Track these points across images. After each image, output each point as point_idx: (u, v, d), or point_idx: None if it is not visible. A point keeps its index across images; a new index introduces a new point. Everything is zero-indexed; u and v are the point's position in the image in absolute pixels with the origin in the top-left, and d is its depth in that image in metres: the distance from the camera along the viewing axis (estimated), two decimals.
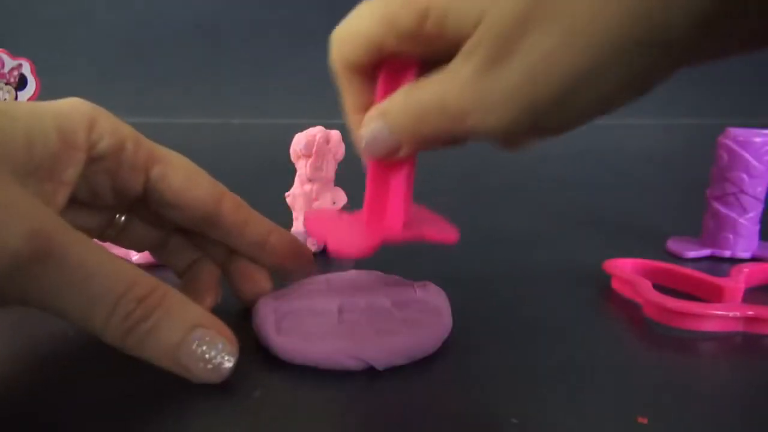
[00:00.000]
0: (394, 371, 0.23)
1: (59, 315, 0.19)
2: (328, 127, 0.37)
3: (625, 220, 0.47)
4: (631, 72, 0.17)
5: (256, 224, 0.27)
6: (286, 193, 0.39)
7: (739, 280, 0.31)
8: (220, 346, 0.20)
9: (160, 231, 0.27)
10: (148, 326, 0.19)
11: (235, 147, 0.82)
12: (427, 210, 0.27)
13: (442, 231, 0.26)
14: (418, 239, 0.25)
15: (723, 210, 0.38)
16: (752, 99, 0.95)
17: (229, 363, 0.20)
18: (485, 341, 0.26)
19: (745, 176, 0.37)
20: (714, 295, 0.30)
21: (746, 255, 0.38)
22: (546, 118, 0.18)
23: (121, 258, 0.20)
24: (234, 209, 0.26)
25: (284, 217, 0.36)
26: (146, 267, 0.31)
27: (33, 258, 0.18)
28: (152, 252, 0.28)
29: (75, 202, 0.23)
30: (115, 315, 0.19)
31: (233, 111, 0.96)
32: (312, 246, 0.37)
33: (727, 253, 0.38)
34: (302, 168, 0.37)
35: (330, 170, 0.38)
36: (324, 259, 0.37)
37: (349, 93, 0.24)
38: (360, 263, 0.33)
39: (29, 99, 0.37)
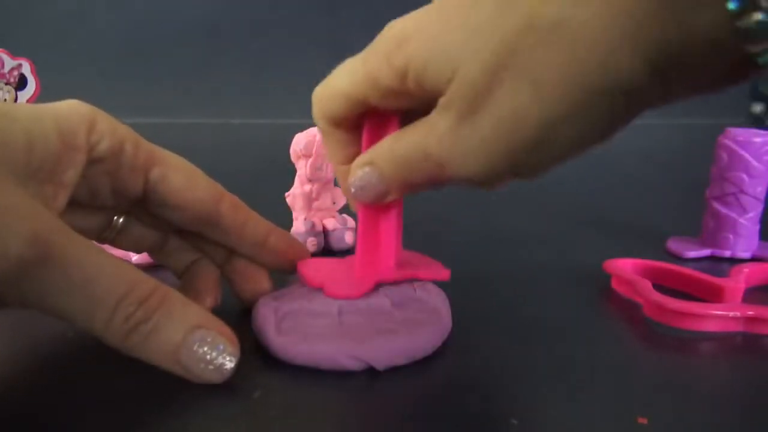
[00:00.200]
0: (394, 371, 0.23)
1: (61, 317, 0.19)
2: None
3: (625, 220, 0.47)
4: (592, 120, 0.18)
5: (255, 225, 0.27)
6: (286, 193, 0.39)
7: (739, 280, 0.31)
8: (221, 346, 0.20)
9: (158, 232, 0.27)
10: (148, 327, 0.19)
11: (234, 147, 0.82)
12: (417, 254, 0.29)
13: (434, 270, 0.27)
14: (411, 278, 0.27)
15: (723, 210, 0.38)
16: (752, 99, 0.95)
17: (230, 363, 0.20)
18: (485, 341, 0.26)
19: (745, 176, 0.37)
20: (714, 295, 0.30)
21: (746, 255, 0.38)
22: (520, 164, 0.20)
23: (122, 260, 0.20)
24: (233, 210, 0.26)
25: (284, 217, 0.36)
26: (145, 268, 0.31)
27: (34, 261, 0.18)
28: (151, 253, 0.28)
29: (74, 204, 0.23)
30: (116, 317, 0.19)
31: (233, 111, 0.96)
32: (311, 246, 0.37)
33: (727, 253, 0.38)
34: (302, 168, 0.37)
35: (330, 170, 0.38)
36: None
37: (334, 145, 0.25)
38: None
39: (29, 99, 0.37)
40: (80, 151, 0.22)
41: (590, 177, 0.69)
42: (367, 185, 0.23)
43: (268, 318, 0.24)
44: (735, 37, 0.15)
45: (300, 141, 0.37)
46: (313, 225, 0.37)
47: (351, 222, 0.38)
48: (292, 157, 0.38)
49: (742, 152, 0.36)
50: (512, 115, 0.18)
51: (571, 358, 0.24)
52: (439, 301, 0.26)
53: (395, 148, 0.22)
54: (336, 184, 0.39)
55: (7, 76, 0.36)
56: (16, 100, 0.37)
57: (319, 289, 0.27)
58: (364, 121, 0.25)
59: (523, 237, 0.43)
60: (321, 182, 0.38)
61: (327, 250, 0.38)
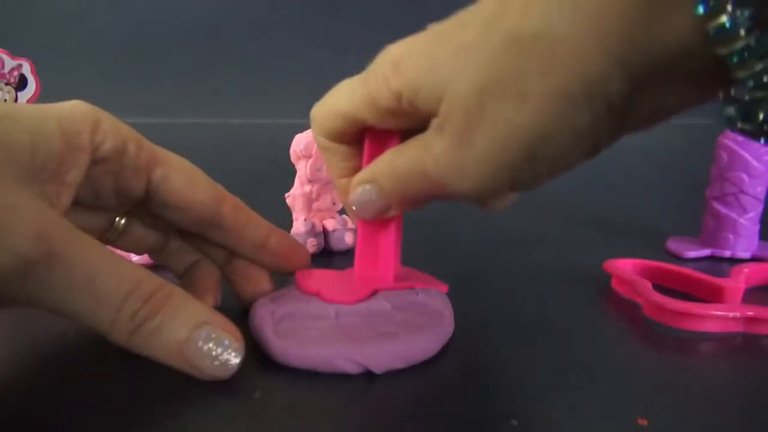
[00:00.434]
0: (394, 373, 0.23)
1: (67, 316, 0.19)
2: None
3: (625, 220, 0.48)
4: (577, 132, 0.18)
5: (255, 226, 0.27)
6: (286, 194, 0.39)
7: (739, 280, 0.31)
8: (226, 342, 0.20)
9: (159, 233, 0.27)
10: (154, 325, 0.19)
11: (235, 147, 0.82)
12: (416, 271, 0.29)
13: (432, 283, 0.28)
14: (408, 288, 0.27)
15: (723, 210, 0.38)
16: None
17: (235, 359, 0.20)
18: (485, 341, 0.26)
19: (745, 176, 0.37)
20: (714, 296, 0.30)
21: (746, 255, 0.38)
22: (515, 179, 0.20)
23: (126, 258, 0.20)
24: (234, 211, 0.26)
25: (284, 217, 0.36)
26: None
27: (38, 259, 0.18)
28: (152, 255, 0.28)
29: (77, 204, 0.23)
30: (122, 314, 0.19)
31: (233, 111, 0.96)
32: (311, 247, 0.37)
33: (727, 253, 0.38)
34: (302, 169, 0.37)
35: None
36: (323, 261, 0.37)
37: (334, 160, 0.26)
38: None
39: (29, 99, 0.37)
40: (84, 152, 0.22)
41: (590, 177, 0.69)
42: (368, 202, 0.24)
43: (265, 320, 0.24)
44: (705, 41, 0.16)
45: (300, 142, 0.37)
46: (313, 226, 0.37)
47: (351, 222, 0.38)
48: (292, 158, 0.38)
49: (742, 152, 0.36)
50: (503, 132, 0.19)
51: (571, 358, 0.24)
52: (440, 304, 0.26)
53: (396, 165, 0.22)
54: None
55: (7, 76, 0.36)
56: (16, 100, 0.37)
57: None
58: (365, 136, 0.25)
59: (523, 237, 0.43)
60: (321, 183, 0.38)
61: (327, 250, 0.38)
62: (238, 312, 0.27)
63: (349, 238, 0.38)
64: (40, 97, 0.37)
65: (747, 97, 0.16)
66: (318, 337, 0.23)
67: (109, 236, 0.26)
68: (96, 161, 0.22)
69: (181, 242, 0.28)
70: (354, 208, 0.24)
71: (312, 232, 0.37)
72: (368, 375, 0.22)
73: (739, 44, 0.15)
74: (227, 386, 0.21)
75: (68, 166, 0.21)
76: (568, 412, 0.20)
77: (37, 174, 0.20)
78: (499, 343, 0.26)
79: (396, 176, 0.22)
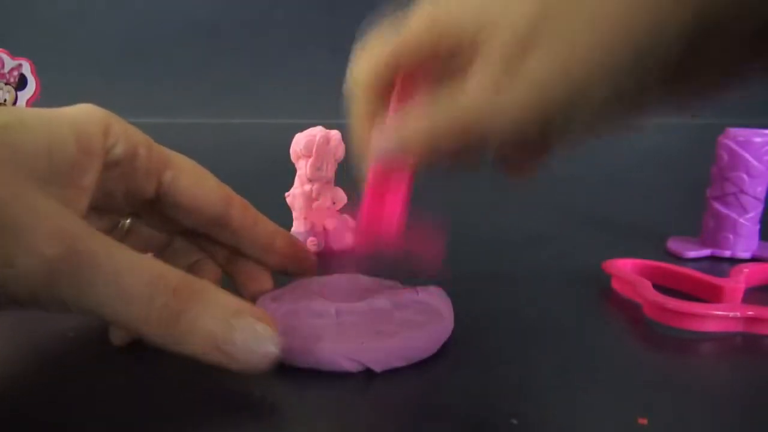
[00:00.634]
0: (394, 371, 0.23)
1: (98, 316, 0.19)
2: (328, 127, 0.37)
3: (625, 220, 0.47)
4: (618, 87, 0.18)
5: (263, 227, 0.27)
6: (286, 193, 0.39)
7: (739, 280, 0.31)
8: (263, 332, 0.20)
9: (164, 233, 0.27)
10: (188, 319, 0.19)
11: (235, 147, 0.82)
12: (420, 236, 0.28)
13: (431, 249, 0.27)
14: (410, 249, 0.27)
15: (723, 210, 0.38)
16: (752, 99, 0.95)
17: (274, 348, 0.20)
18: (485, 341, 0.26)
19: (745, 176, 0.37)
20: (714, 296, 0.30)
21: (746, 255, 0.38)
22: (552, 125, 0.19)
23: (148, 255, 0.20)
24: (242, 212, 0.26)
25: (284, 217, 0.36)
26: None
27: (62, 259, 0.18)
28: (156, 254, 0.28)
29: (88, 207, 0.23)
30: (153, 310, 0.18)
31: (233, 111, 0.96)
32: (312, 246, 0.37)
33: (727, 253, 0.38)
34: (302, 168, 0.37)
35: (330, 170, 0.38)
36: (323, 261, 0.37)
37: (361, 107, 0.25)
38: (360, 267, 0.33)
39: (29, 99, 0.37)
40: (97, 156, 0.22)
41: (590, 177, 0.69)
42: (392, 149, 0.23)
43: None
44: None
45: (300, 141, 0.37)
46: (313, 225, 0.37)
47: (351, 222, 0.38)
48: (292, 157, 0.38)
49: (743, 152, 0.36)
50: (547, 70, 0.19)
51: (572, 358, 0.24)
52: (440, 303, 0.26)
53: (426, 110, 0.22)
54: (336, 184, 0.39)
55: (7, 76, 0.36)
56: (16, 100, 0.37)
57: (318, 291, 0.27)
58: (395, 84, 0.25)
59: (523, 237, 0.43)
60: (321, 182, 0.38)
61: (327, 250, 0.38)
62: None
63: (349, 238, 0.38)
64: (40, 97, 0.37)
65: None
66: (318, 335, 0.23)
67: (114, 236, 0.26)
68: (108, 165, 0.22)
69: (185, 241, 0.28)
70: (377, 151, 0.24)
71: (312, 231, 0.37)
72: (368, 373, 0.22)
73: None
74: (227, 385, 0.21)
75: (83, 171, 0.21)
76: (568, 412, 0.20)
77: (54, 179, 0.20)
78: (499, 342, 0.26)
79: (427, 120, 0.22)
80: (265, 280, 0.28)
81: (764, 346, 0.26)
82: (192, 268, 0.28)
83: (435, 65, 0.22)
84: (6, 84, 0.36)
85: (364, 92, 0.25)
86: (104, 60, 0.95)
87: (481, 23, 0.20)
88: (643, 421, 0.20)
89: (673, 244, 0.40)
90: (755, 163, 0.36)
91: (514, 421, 0.20)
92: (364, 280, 0.29)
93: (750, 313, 0.27)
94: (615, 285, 0.32)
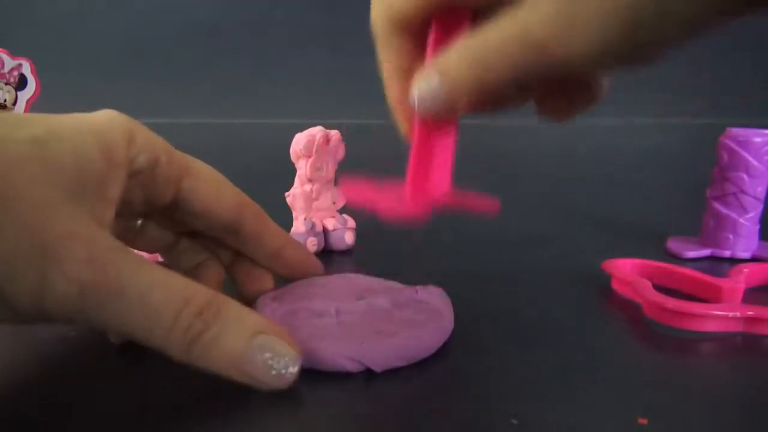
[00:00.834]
0: (394, 371, 0.23)
1: (124, 334, 0.19)
2: (328, 127, 0.38)
3: (625, 220, 0.47)
4: None
5: (272, 235, 0.27)
6: (286, 193, 0.39)
7: (738, 280, 0.31)
8: (282, 351, 0.20)
9: (172, 234, 0.27)
10: (209, 337, 0.19)
11: (235, 147, 0.82)
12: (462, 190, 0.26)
13: (484, 201, 0.25)
14: (462, 205, 0.24)
15: (723, 210, 0.38)
16: (752, 99, 0.95)
17: (293, 368, 0.20)
18: (485, 341, 0.26)
19: (745, 176, 0.37)
20: (714, 296, 0.30)
21: (746, 255, 0.38)
22: (635, 42, 0.17)
23: (176, 273, 0.20)
24: (254, 219, 0.27)
25: (284, 217, 0.36)
26: None
27: (93, 283, 0.18)
28: (162, 254, 0.28)
29: None
30: (176, 330, 0.19)
31: (233, 111, 0.96)
32: (311, 246, 0.37)
33: (727, 253, 0.38)
34: (302, 168, 0.37)
35: (330, 170, 0.38)
36: (325, 260, 0.37)
37: (390, 54, 0.22)
38: (360, 266, 0.33)
39: (29, 99, 0.37)
40: (122, 168, 0.22)
41: (590, 177, 0.69)
42: (436, 93, 0.20)
43: (267, 318, 0.24)
44: None
45: (300, 141, 0.37)
46: (313, 225, 0.37)
47: (351, 222, 0.38)
48: (292, 157, 0.38)
49: (743, 152, 0.36)
50: None
51: (571, 358, 0.24)
52: (440, 303, 0.26)
53: (474, 47, 0.19)
54: (336, 184, 0.39)
55: (7, 76, 0.36)
56: (16, 100, 0.37)
57: (318, 291, 0.27)
58: (431, 23, 0.22)
59: (523, 237, 0.43)
60: (321, 182, 0.38)
61: (327, 250, 0.38)
62: None
63: (349, 238, 0.38)
64: (40, 97, 0.37)
65: None
66: (318, 334, 0.23)
67: (126, 236, 0.26)
68: (130, 174, 0.22)
69: (191, 242, 0.28)
70: (417, 102, 0.21)
71: (312, 231, 0.37)
72: (368, 373, 0.22)
73: None
74: (227, 385, 0.21)
75: (109, 183, 0.21)
76: (568, 412, 0.20)
77: (83, 194, 0.20)
78: (499, 342, 0.26)
79: (476, 58, 0.19)
80: (266, 280, 0.28)
81: (764, 346, 0.26)
82: (197, 268, 0.28)
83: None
84: (6, 84, 0.36)
85: (388, 34, 0.22)
86: (104, 60, 0.95)
87: None
88: (643, 421, 0.20)
89: (673, 244, 0.40)
90: (755, 163, 0.36)
91: (514, 421, 0.20)
92: (364, 280, 0.29)
93: (750, 313, 0.27)
94: (615, 285, 0.32)
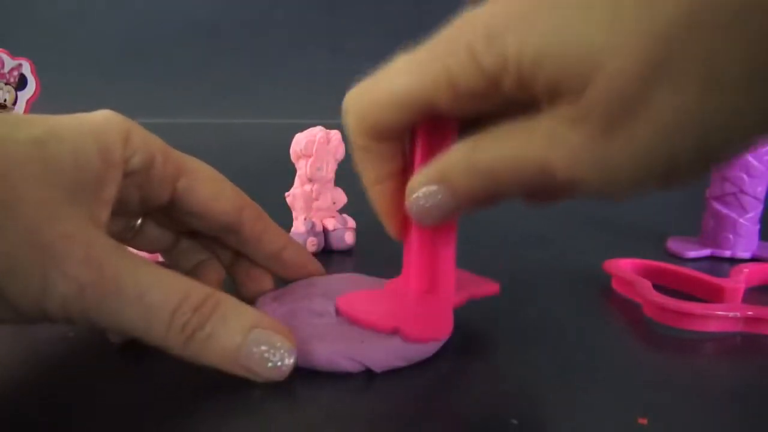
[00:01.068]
0: (394, 371, 0.23)
1: (123, 332, 0.20)
2: (328, 127, 0.37)
3: (625, 220, 0.47)
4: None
5: (272, 236, 0.27)
6: (286, 193, 0.39)
7: (739, 280, 0.31)
8: (278, 344, 0.20)
9: (172, 233, 0.27)
10: (206, 333, 0.20)
11: (235, 147, 0.82)
12: (463, 271, 0.26)
13: (486, 286, 0.26)
14: (467, 298, 0.25)
15: (723, 210, 0.38)
16: None
17: (288, 360, 0.20)
18: (485, 341, 0.26)
19: (745, 176, 0.37)
20: (714, 296, 0.30)
21: (746, 255, 0.38)
22: (679, 172, 0.17)
23: (172, 271, 0.20)
24: (253, 220, 0.26)
25: (284, 217, 0.36)
26: None
27: (92, 282, 0.18)
28: (163, 254, 0.28)
29: None
30: (173, 326, 0.19)
31: (233, 111, 0.96)
32: (311, 246, 0.37)
33: (727, 253, 0.38)
34: (302, 168, 0.37)
35: (330, 170, 0.38)
36: (325, 260, 0.37)
37: (372, 161, 0.22)
38: (360, 267, 0.33)
39: (29, 99, 0.37)
40: (118, 168, 0.22)
41: None
42: (436, 204, 0.20)
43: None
44: None
45: (300, 141, 0.37)
46: (313, 225, 0.37)
47: (351, 222, 0.38)
48: (292, 157, 0.38)
49: None
50: (676, 120, 0.16)
51: (571, 358, 0.24)
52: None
53: (483, 160, 0.19)
54: (336, 184, 0.39)
55: (7, 76, 0.36)
56: (16, 100, 0.37)
57: (319, 291, 0.27)
58: (418, 130, 0.21)
59: (523, 237, 0.43)
60: (321, 182, 0.38)
61: (327, 250, 0.38)
62: None
63: (349, 238, 0.38)
64: (40, 97, 0.37)
65: None
66: (318, 335, 0.23)
67: (125, 235, 0.26)
68: (126, 174, 0.22)
69: (191, 242, 0.28)
70: (415, 211, 0.21)
71: (312, 231, 0.37)
72: (368, 373, 0.22)
73: None
74: (227, 385, 0.21)
75: (105, 184, 0.21)
76: (568, 412, 0.20)
77: (81, 194, 0.20)
78: (499, 342, 0.26)
79: (480, 171, 0.19)
80: (266, 280, 0.28)
81: (764, 346, 0.26)
82: (197, 268, 0.28)
83: (480, 105, 0.19)
84: (6, 84, 0.36)
85: (368, 143, 0.21)
86: (104, 60, 0.95)
87: (576, 59, 0.16)
88: (643, 421, 0.20)
89: (673, 244, 0.40)
90: (755, 163, 0.36)
91: (514, 421, 0.20)
92: (364, 280, 0.29)
93: (750, 313, 0.27)
94: (615, 285, 0.32)
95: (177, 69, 0.97)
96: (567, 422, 0.20)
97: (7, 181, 0.18)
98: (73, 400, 0.21)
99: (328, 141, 0.37)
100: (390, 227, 0.24)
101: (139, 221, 0.26)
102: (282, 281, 0.29)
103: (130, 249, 0.26)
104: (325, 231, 0.38)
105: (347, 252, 0.38)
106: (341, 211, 0.39)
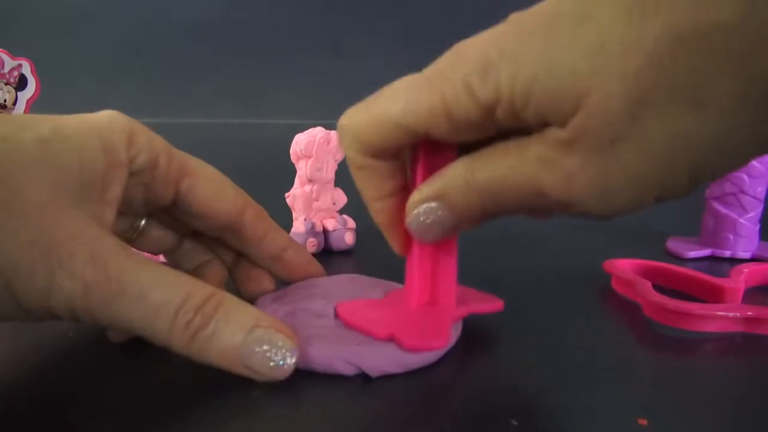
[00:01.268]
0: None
1: (127, 330, 0.20)
2: (328, 127, 0.37)
3: (625, 220, 0.47)
4: (759, 129, 0.16)
5: (273, 237, 0.27)
6: (286, 194, 0.39)
7: (739, 280, 0.31)
8: (279, 343, 0.20)
9: (175, 234, 0.28)
10: (208, 332, 0.20)
11: (235, 147, 0.82)
12: (466, 288, 0.26)
13: (489, 303, 0.26)
14: (468, 314, 0.25)
15: (723, 210, 0.38)
16: None
17: (290, 359, 0.20)
18: (485, 342, 0.26)
19: (745, 176, 0.37)
20: (714, 296, 0.30)
21: (746, 255, 0.38)
22: (672, 192, 0.17)
23: (176, 270, 0.21)
24: (255, 221, 0.27)
25: (284, 217, 0.36)
26: None
27: (97, 281, 0.19)
28: (166, 255, 0.28)
29: None
30: (176, 326, 0.19)
31: (233, 111, 0.96)
32: (311, 247, 0.37)
33: (727, 253, 0.38)
34: (302, 168, 0.37)
35: (330, 171, 0.38)
36: (325, 260, 0.37)
37: (370, 179, 0.22)
38: (360, 267, 0.33)
39: (29, 99, 0.37)
40: (122, 168, 0.22)
41: None
42: (435, 222, 0.21)
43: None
44: None
45: (300, 141, 0.37)
46: (313, 225, 0.37)
47: (351, 222, 0.38)
48: (293, 158, 0.38)
49: None
50: (664, 144, 0.16)
51: (571, 358, 0.24)
52: None
53: (483, 180, 0.19)
54: (336, 185, 0.39)
55: (7, 76, 0.36)
56: (16, 100, 0.37)
57: (319, 292, 0.27)
58: (419, 147, 0.22)
59: (523, 237, 0.43)
60: (321, 183, 0.38)
61: (327, 250, 0.38)
62: None
63: (348, 238, 0.38)
64: (40, 97, 0.37)
65: None
66: (316, 336, 0.23)
67: (129, 236, 0.26)
68: (130, 174, 0.23)
69: (194, 243, 0.28)
70: (414, 228, 0.21)
71: (312, 231, 0.37)
72: (366, 374, 0.22)
73: None
74: (227, 385, 0.21)
75: (110, 183, 0.21)
76: (568, 412, 0.20)
77: (85, 194, 0.20)
78: (498, 342, 0.26)
79: (479, 190, 0.19)
80: (266, 281, 0.28)
81: (764, 346, 0.26)
82: (199, 269, 0.28)
83: (475, 134, 0.19)
84: (6, 84, 0.36)
85: (366, 162, 0.22)
86: (104, 60, 0.95)
87: (566, 87, 0.16)
88: (643, 422, 0.20)
89: (673, 244, 0.40)
90: (755, 163, 0.36)
91: (514, 422, 0.20)
92: (364, 280, 0.29)
93: (750, 313, 0.27)
94: (615, 285, 0.32)
95: (177, 69, 0.97)
96: (567, 422, 0.20)
97: (13, 182, 0.18)
98: (73, 399, 0.21)
99: (329, 141, 0.37)
100: (393, 243, 0.24)
101: (143, 222, 0.26)
102: (282, 282, 0.29)
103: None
104: (325, 231, 0.38)
105: (347, 252, 0.38)
106: (341, 211, 0.39)
